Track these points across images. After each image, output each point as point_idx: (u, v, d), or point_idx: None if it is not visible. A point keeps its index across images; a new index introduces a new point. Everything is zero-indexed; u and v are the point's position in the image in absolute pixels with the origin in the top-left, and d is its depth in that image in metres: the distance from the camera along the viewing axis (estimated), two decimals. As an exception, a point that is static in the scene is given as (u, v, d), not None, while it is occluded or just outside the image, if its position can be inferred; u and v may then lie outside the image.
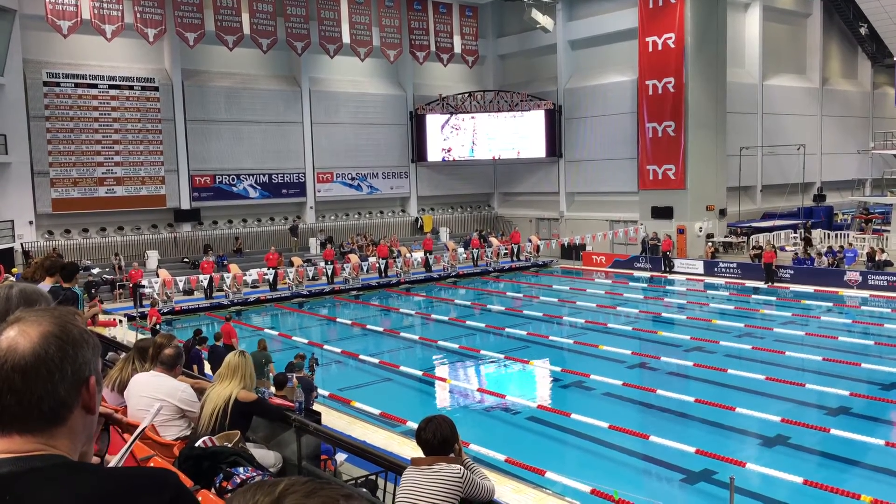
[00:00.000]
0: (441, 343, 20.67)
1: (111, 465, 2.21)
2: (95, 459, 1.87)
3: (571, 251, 35.81)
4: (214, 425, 5.05)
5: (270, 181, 34.05)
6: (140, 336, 17.51)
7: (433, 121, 38.45)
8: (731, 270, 30.31)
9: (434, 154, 38.72)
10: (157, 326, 20.98)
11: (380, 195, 37.81)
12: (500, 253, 35.07)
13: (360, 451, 5.48)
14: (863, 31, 41.25)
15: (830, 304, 25.07)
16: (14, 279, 11.68)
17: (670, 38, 32.61)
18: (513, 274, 33.99)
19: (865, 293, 26.24)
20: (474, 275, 33.26)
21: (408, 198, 38.93)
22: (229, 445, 4.44)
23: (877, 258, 27.83)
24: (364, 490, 5.60)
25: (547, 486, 10.50)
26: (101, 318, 12.25)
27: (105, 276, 27.68)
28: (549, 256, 36.28)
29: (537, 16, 36.36)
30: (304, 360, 14.06)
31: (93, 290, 24.64)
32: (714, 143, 33.44)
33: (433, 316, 25.39)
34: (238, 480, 3.89)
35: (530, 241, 36.09)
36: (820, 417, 13.78)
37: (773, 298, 26.64)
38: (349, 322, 24.38)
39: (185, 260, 30.64)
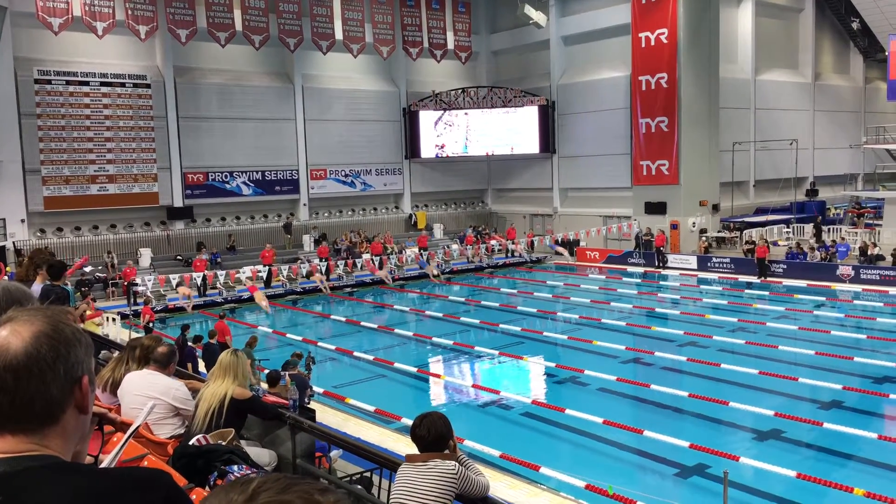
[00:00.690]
0: (435, 339, 20.68)
1: (104, 464, 2.21)
2: (89, 459, 1.86)
3: (566, 247, 35.81)
4: (209, 424, 5.04)
5: (263, 178, 33.96)
6: (133, 334, 17.48)
7: (426, 117, 38.42)
8: (725, 265, 30.40)
9: (427, 150, 38.69)
10: (151, 324, 20.95)
11: (373, 192, 37.77)
12: (494, 249, 35.09)
13: (355, 448, 5.48)
14: (855, 25, 41.38)
15: (823, 299, 25.17)
16: (7, 278, 11.64)
17: (663, 33, 32.63)
18: (507, 270, 34.02)
19: (858, 287, 26.34)
20: (468, 271, 33.28)
21: (401, 194, 38.90)
22: (223, 444, 4.43)
23: (869, 252, 27.94)
24: (359, 487, 5.61)
25: (541, 482, 10.52)
26: (87, 312, 12.22)
27: (98, 274, 27.59)
28: (542, 252, 36.32)
29: (530, 11, 36.36)
30: (301, 358, 14.08)
31: (84, 289, 24.57)
32: (707, 139, 33.51)
33: (427, 312, 25.39)
34: (232, 479, 3.88)
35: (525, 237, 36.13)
36: (813, 411, 13.84)
37: (766, 293, 26.73)
38: (343, 319, 24.36)
39: (179, 258, 30.56)
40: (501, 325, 22.03)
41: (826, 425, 12.80)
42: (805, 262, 28.67)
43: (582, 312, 23.94)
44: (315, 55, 34.74)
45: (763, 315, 22.71)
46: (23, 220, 28.26)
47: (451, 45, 38.50)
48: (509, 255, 35.59)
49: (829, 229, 32.85)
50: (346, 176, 36.64)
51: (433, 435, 4.25)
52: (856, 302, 25.03)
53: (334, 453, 7.32)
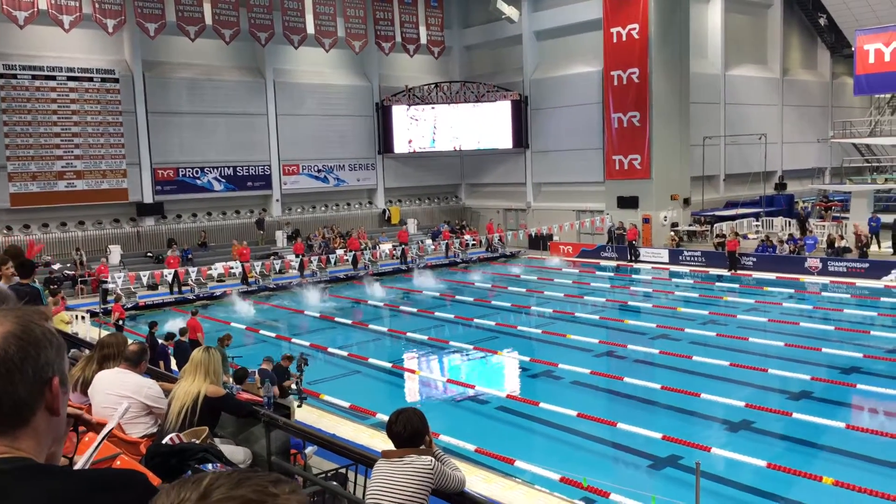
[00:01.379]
0: (410, 335, 20.68)
1: (78, 466, 2.18)
2: (64, 461, 1.84)
3: (539, 241, 36.01)
4: (182, 422, 5.00)
5: (235, 174, 33.66)
6: (104, 332, 17.24)
7: (399, 112, 38.31)
8: (696, 259, 30.73)
9: (401, 145, 38.60)
10: (121, 322, 20.70)
11: (346, 187, 37.61)
12: (468, 244, 35.16)
13: (330, 445, 5.46)
14: (822, 21, 41.99)
15: (792, 291, 25.56)
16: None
17: (634, 28, 32.86)
18: (482, 265, 34.09)
19: (826, 279, 26.80)
20: (442, 266, 33.30)
21: (375, 189, 38.79)
22: (197, 442, 4.40)
23: (836, 245, 28.42)
24: (334, 483, 5.59)
25: (516, 475, 10.58)
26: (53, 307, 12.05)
27: (66, 271, 27.17)
28: (516, 247, 36.45)
29: (503, 6, 36.39)
30: (293, 360, 13.89)
31: (52, 286, 24.18)
32: (678, 133, 33.84)
33: (402, 308, 25.37)
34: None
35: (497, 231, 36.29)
36: (782, 402, 14.06)
37: (737, 286, 27.09)
38: (318, 315, 24.26)
39: (149, 254, 30.19)
40: (476, 320, 22.09)
41: (795, 415, 13.02)
42: (774, 254, 29.09)
43: (556, 306, 24.08)
44: (287, 49, 34.46)
45: (734, 307, 23.01)
46: (-12, 218, 27.75)
47: (423, 40, 38.41)
48: (489, 249, 35.74)
49: (788, 223, 33.44)
50: (319, 171, 36.44)
51: (409, 431, 4.24)
52: (824, 294, 25.46)
53: (309, 450, 7.29)
